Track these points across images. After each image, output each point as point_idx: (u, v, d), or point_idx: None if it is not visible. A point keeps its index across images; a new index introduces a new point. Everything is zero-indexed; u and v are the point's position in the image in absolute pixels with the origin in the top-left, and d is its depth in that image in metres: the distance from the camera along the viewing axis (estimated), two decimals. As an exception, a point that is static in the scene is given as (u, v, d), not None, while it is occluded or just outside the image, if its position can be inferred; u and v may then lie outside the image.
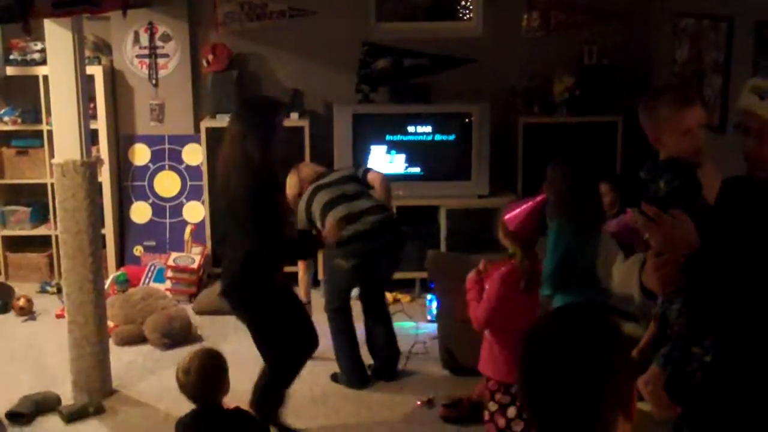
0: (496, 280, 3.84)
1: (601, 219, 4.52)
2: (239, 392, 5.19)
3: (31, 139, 6.83)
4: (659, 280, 2.67)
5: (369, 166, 5.80)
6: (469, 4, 7.13)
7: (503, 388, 3.91)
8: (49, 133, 6.14)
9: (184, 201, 7.01)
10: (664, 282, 2.66)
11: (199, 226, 6.89)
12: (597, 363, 1.66)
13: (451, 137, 6.63)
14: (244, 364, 5.56)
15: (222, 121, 6.60)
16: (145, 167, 7.03)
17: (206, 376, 3.48)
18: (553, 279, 4.10)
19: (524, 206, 3.85)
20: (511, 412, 3.86)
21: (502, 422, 3.89)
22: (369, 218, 5.06)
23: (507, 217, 3.84)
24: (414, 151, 6.61)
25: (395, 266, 5.42)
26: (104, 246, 6.29)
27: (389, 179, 5.47)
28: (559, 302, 4.15)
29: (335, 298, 5.25)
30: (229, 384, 3.57)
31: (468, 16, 7.16)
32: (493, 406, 3.93)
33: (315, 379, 5.36)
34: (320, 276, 6.11)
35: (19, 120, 6.77)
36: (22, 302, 6.24)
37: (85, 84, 4.88)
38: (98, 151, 6.56)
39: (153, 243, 7.02)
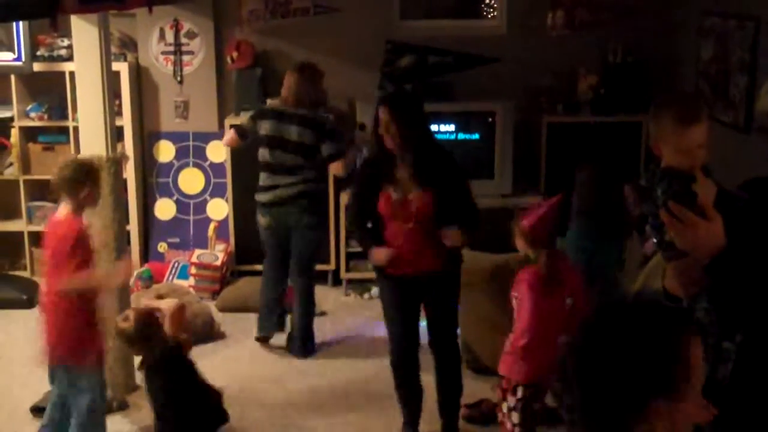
0: (525, 292, 3.88)
1: (624, 224, 4.52)
2: (257, 390, 5.21)
3: (58, 135, 6.87)
4: (682, 283, 2.65)
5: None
6: (493, 2, 7.11)
7: (519, 389, 3.92)
8: (75, 129, 6.17)
9: (208, 198, 7.03)
10: (686, 285, 2.64)
11: (223, 223, 6.91)
12: (643, 375, 1.68)
13: (475, 136, 6.60)
14: (264, 361, 5.60)
15: (246, 118, 6.63)
16: (170, 164, 7.06)
17: (143, 325, 3.95)
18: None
19: (540, 210, 3.90)
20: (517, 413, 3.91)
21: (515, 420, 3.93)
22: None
23: (525, 222, 3.90)
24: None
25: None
26: (128, 242, 6.32)
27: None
28: None
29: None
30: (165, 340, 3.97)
31: (492, 14, 7.14)
32: (506, 407, 3.96)
33: (335, 375, 5.37)
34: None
35: (46, 116, 6.81)
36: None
37: (111, 80, 4.90)
38: (123, 147, 6.59)
39: (177, 240, 7.05)
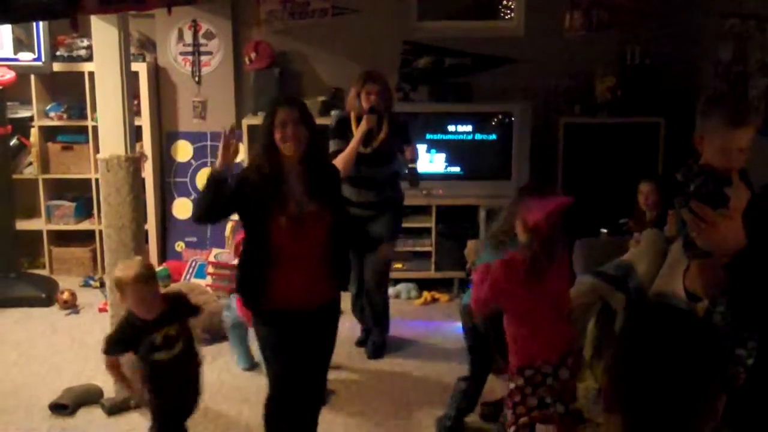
0: (498, 265, 3.76)
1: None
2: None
3: (77, 135, 6.90)
4: (703, 283, 2.64)
5: None
6: (510, 3, 7.09)
7: (522, 371, 3.92)
8: (94, 128, 6.20)
9: (226, 197, 7.04)
10: (708, 285, 2.63)
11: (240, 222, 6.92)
12: (700, 371, 1.67)
13: (492, 137, 6.60)
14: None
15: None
16: (188, 164, 7.08)
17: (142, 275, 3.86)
18: None
19: (547, 205, 3.74)
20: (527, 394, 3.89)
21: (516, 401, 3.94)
22: None
23: (528, 214, 3.73)
24: (454, 151, 6.59)
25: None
26: (147, 241, 6.35)
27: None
28: None
29: None
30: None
31: (509, 15, 7.13)
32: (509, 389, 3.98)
33: (343, 370, 5.37)
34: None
35: (65, 116, 6.85)
36: (65, 296, 6.32)
37: (130, 80, 4.91)
38: (142, 147, 6.62)
39: (194, 239, 7.08)
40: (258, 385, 5.22)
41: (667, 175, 6.18)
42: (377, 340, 5.65)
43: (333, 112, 5.93)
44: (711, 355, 1.69)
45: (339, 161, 5.06)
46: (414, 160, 5.38)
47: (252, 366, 5.45)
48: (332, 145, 5.29)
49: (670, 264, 4.93)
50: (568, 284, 4.08)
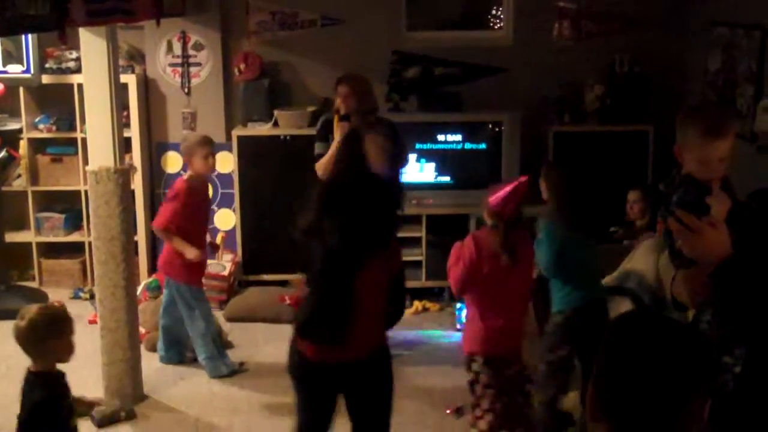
0: (469, 240, 4.11)
1: (592, 222, 4.70)
2: (265, 399, 5.21)
3: (66, 147, 6.90)
4: (689, 291, 2.65)
5: None
6: (499, 13, 7.12)
7: (478, 360, 4.14)
8: (83, 140, 6.20)
9: (216, 208, 7.04)
10: (694, 293, 2.65)
11: (231, 233, 6.92)
12: (685, 378, 1.68)
13: (482, 146, 6.62)
14: (272, 370, 5.60)
15: (253, 129, 6.67)
16: (178, 175, 7.06)
17: (36, 329, 3.46)
18: (550, 268, 4.45)
19: (506, 187, 4.08)
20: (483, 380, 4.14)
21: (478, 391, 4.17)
22: None
23: (490, 198, 4.07)
24: (444, 160, 6.61)
25: None
26: (136, 253, 6.35)
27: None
28: (559, 290, 4.49)
29: None
30: (69, 349, 3.56)
31: (499, 25, 7.16)
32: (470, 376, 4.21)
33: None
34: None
35: (54, 128, 6.84)
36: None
37: (119, 92, 4.93)
38: (131, 158, 6.62)
39: (184, 250, 7.06)
40: (249, 396, 5.22)
41: (655, 183, 6.21)
42: None
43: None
44: (694, 360, 1.71)
45: (320, 165, 5.14)
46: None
47: (231, 372, 5.45)
48: (316, 148, 5.38)
49: (665, 266, 4.97)
50: (530, 284, 4.40)
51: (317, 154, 5.29)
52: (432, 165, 6.62)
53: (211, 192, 5.56)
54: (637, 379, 1.68)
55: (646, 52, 6.76)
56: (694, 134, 2.83)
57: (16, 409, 3.57)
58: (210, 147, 5.40)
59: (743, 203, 2.87)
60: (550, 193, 4.58)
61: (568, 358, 4.44)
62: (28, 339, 3.48)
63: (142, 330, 5.51)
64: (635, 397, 1.68)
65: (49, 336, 3.47)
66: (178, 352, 5.66)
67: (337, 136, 5.16)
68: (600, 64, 6.80)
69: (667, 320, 1.79)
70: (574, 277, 4.48)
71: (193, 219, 5.41)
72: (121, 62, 6.17)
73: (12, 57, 6.48)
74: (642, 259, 4.93)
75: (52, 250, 7.09)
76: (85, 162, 5.62)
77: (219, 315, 6.25)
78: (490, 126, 6.59)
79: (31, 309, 3.53)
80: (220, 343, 5.57)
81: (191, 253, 5.27)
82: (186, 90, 7.01)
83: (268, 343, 5.93)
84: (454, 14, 7.49)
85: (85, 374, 5.40)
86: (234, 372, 5.48)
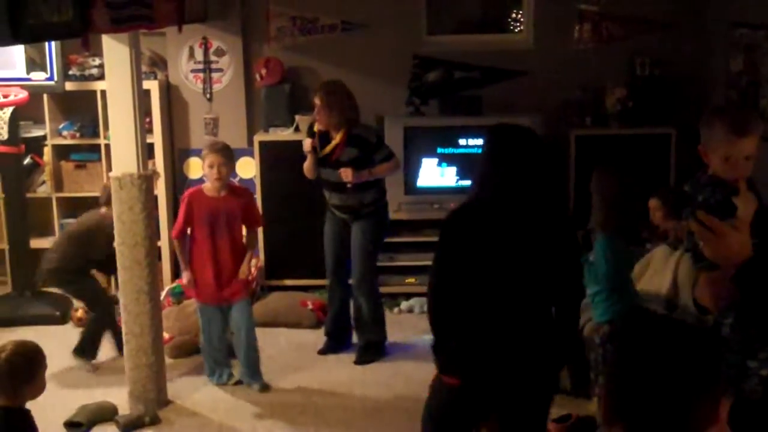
0: None
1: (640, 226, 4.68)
2: (287, 407, 5.21)
3: (89, 153, 6.95)
4: (712, 295, 2.63)
5: None
6: (519, 16, 7.11)
7: None
8: (107, 146, 6.23)
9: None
10: (716, 297, 2.63)
11: (253, 238, 6.92)
12: (692, 379, 1.68)
13: (503, 149, 6.59)
14: (294, 377, 5.60)
15: (275, 134, 6.68)
16: (200, 180, 7.08)
17: (13, 368, 3.34)
18: (610, 280, 4.43)
19: None
20: None
21: None
22: None
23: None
24: (465, 164, 6.59)
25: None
26: (160, 258, 6.36)
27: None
28: (604, 300, 4.50)
29: None
30: (40, 390, 3.46)
31: (519, 28, 7.14)
32: None
33: (366, 390, 5.36)
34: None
35: (78, 134, 6.89)
36: (79, 313, 6.33)
37: (142, 98, 4.96)
38: (154, 164, 6.65)
39: (207, 255, 7.07)
40: (273, 402, 5.23)
41: (678, 186, 6.17)
42: (361, 343, 5.80)
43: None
44: (701, 361, 1.70)
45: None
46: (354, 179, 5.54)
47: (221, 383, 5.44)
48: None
49: (681, 274, 4.96)
50: None
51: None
52: (453, 169, 6.61)
53: (233, 206, 5.30)
54: (646, 380, 1.69)
55: (668, 55, 6.73)
56: (720, 132, 2.82)
57: (43, 411, 3.56)
58: (215, 155, 5.16)
59: (766, 206, 2.85)
60: (603, 201, 4.52)
61: None
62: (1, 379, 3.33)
63: (165, 335, 5.53)
64: (646, 398, 1.68)
65: (24, 380, 3.36)
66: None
67: (306, 146, 5.55)
68: (621, 67, 6.77)
69: (674, 321, 1.79)
70: (623, 285, 4.45)
71: (197, 231, 5.27)
72: (144, 68, 6.20)
73: (36, 64, 6.53)
74: (656, 278, 4.94)
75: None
76: (109, 168, 5.66)
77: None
78: (512, 129, 6.57)
79: (7, 346, 3.39)
80: (225, 354, 5.50)
81: (184, 276, 5.33)
82: (208, 96, 7.04)
83: (290, 348, 5.94)
84: (475, 17, 7.48)
85: (110, 379, 5.44)
86: (224, 383, 5.44)
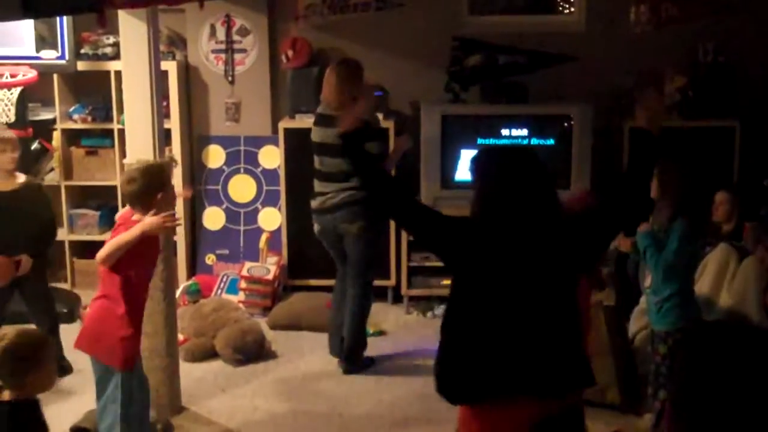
0: None
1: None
2: (309, 413, 5.22)
3: (102, 138, 6.99)
4: None
5: None
6: (571, -4, 7.09)
7: None
8: (120, 132, 6.28)
9: (260, 207, 7.09)
10: None
11: (275, 234, 6.96)
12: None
13: (550, 141, 6.57)
14: (318, 382, 5.61)
15: (301, 121, 6.69)
16: (220, 170, 7.13)
17: (16, 353, 3.36)
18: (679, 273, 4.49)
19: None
20: None
21: None
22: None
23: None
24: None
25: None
26: (175, 254, 6.40)
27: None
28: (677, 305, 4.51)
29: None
30: (48, 380, 3.48)
31: (569, 9, 7.10)
32: None
33: (395, 401, 5.36)
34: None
35: (89, 118, 6.93)
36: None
37: (160, 80, 4.97)
38: (171, 151, 6.66)
39: (226, 251, 7.12)
40: (293, 409, 5.24)
41: (743, 183, 6.11)
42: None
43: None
44: None
45: None
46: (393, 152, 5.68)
47: None
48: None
49: (745, 281, 4.92)
50: None
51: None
52: (495, 162, 6.58)
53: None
54: (717, 392, 1.67)
55: (733, 40, 6.66)
56: None
57: (50, 416, 3.60)
58: None
59: None
60: (678, 191, 4.62)
61: None
62: (2, 368, 3.37)
63: (180, 336, 5.56)
64: (715, 410, 1.67)
65: (28, 368, 3.38)
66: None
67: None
68: (681, 53, 6.72)
69: (745, 329, 1.78)
70: (691, 288, 4.56)
71: None
72: (162, 48, 6.23)
73: (45, 42, 6.57)
74: (709, 279, 4.96)
75: (85, 250, 7.17)
76: (123, 155, 5.70)
77: (262, 322, 6.28)
78: (559, 120, 6.54)
79: (8, 334, 3.42)
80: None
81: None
82: (230, 78, 7.06)
83: (314, 353, 5.95)
84: (521, -3, 7.46)
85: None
86: None
